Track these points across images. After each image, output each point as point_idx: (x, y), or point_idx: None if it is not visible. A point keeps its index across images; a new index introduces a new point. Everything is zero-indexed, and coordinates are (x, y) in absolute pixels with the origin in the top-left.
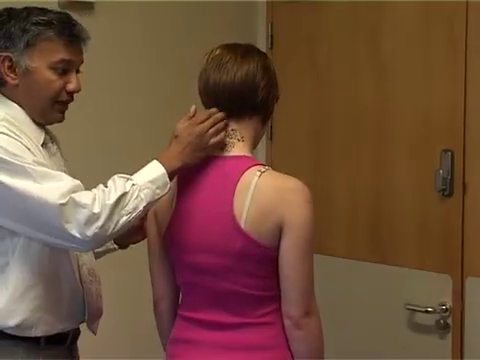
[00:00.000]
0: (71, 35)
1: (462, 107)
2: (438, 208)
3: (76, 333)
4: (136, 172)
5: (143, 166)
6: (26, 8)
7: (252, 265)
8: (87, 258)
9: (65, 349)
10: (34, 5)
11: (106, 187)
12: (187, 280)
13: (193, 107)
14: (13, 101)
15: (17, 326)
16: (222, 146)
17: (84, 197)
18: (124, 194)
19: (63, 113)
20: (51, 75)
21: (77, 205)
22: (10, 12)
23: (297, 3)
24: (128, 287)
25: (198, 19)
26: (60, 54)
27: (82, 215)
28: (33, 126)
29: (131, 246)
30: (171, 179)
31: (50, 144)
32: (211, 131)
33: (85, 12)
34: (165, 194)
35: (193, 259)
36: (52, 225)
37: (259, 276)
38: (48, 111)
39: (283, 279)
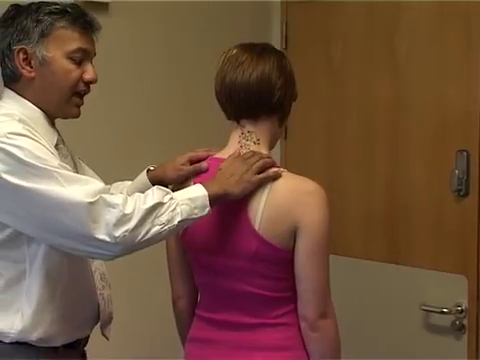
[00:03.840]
0: (85, 23)
1: (478, 107)
2: (454, 208)
3: (88, 336)
4: None
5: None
6: (33, 2)
7: (267, 267)
8: (99, 263)
9: (78, 352)
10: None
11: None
12: (204, 281)
13: (237, 151)
14: (27, 98)
15: (38, 339)
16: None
17: (115, 198)
18: (160, 203)
19: (79, 107)
20: (68, 64)
21: (107, 204)
22: (17, 7)
23: (312, 3)
24: (138, 289)
25: (213, 19)
26: (76, 42)
27: (112, 215)
28: (47, 126)
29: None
30: (212, 205)
31: (61, 145)
32: (257, 164)
33: (99, 12)
34: (203, 216)
35: (209, 261)
36: (77, 228)
37: (274, 277)
38: (65, 104)
39: (298, 281)
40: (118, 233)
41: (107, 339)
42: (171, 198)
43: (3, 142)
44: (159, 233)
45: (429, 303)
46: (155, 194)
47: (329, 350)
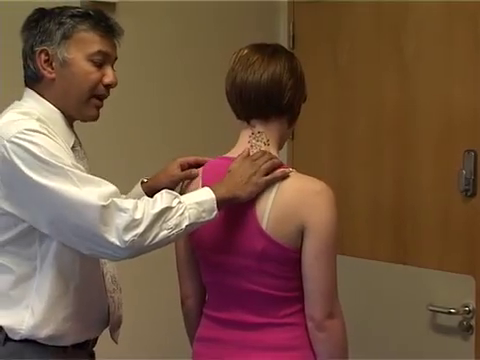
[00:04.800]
0: (107, 27)
1: None
2: (461, 208)
3: (97, 337)
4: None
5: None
6: (57, 6)
7: (274, 266)
8: (110, 266)
9: (86, 352)
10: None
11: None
12: (212, 280)
13: (246, 150)
14: (48, 99)
15: (48, 337)
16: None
17: (126, 202)
18: (169, 208)
19: (98, 109)
20: (89, 67)
21: (118, 209)
22: (42, 11)
23: (319, 3)
24: (146, 291)
25: (220, 19)
26: (97, 45)
27: (122, 220)
28: (65, 128)
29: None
30: (219, 208)
31: (78, 148)
32: (265, 166)
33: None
34: (211, 220)
35: (217, 259)
36: (89, 228)
37: (282, 277)
38: (84, 106)
39: (306, 281)
40: (127, 237)
41: (116, 343)
42: (179, 202)
43: (20, 138)
44: (167, 237)
45: (436, 303)
46: (164, 198)
47: (336, 350)
